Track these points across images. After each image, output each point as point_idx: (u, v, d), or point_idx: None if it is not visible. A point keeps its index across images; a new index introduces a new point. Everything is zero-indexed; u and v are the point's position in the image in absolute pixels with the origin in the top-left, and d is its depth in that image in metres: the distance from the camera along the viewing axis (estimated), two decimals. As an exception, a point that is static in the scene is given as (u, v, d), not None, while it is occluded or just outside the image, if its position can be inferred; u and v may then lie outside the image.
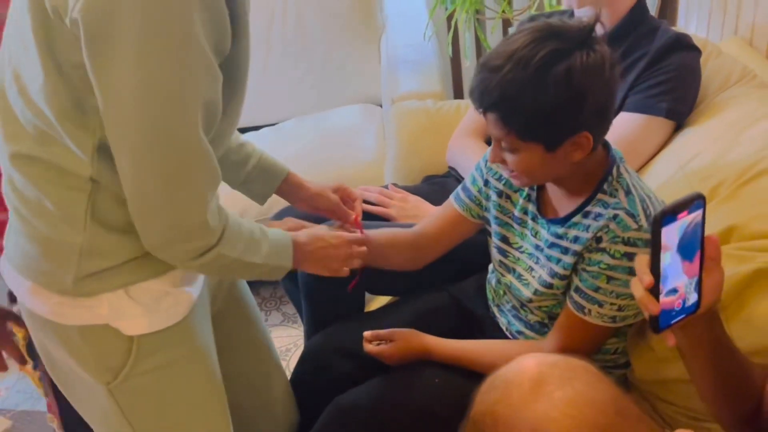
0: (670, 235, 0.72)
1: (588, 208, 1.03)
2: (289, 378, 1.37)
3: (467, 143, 1.62)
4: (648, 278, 0.73)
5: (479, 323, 1.32)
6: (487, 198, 1.19)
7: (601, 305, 1.02)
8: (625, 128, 1.31)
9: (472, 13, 1.86)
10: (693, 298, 0.76)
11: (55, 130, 0.82)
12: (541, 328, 1.17)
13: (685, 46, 1.32)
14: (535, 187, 1.13)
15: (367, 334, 1.22)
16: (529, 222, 1.13)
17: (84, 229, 0.86)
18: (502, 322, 1.26)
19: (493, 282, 1.27)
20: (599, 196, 1.02)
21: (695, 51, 1.33)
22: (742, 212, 1.06)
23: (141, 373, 0.93)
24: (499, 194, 1.17)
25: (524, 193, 1.14)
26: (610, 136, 1.31)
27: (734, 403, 0.85)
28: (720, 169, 1.16)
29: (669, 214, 0.71)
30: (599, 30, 0.97)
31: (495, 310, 1.28)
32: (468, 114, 1.67)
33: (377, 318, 1.38)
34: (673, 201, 0.72)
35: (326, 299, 1.42)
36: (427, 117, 1.78)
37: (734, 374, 0.84)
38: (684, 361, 0.85)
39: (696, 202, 0.73)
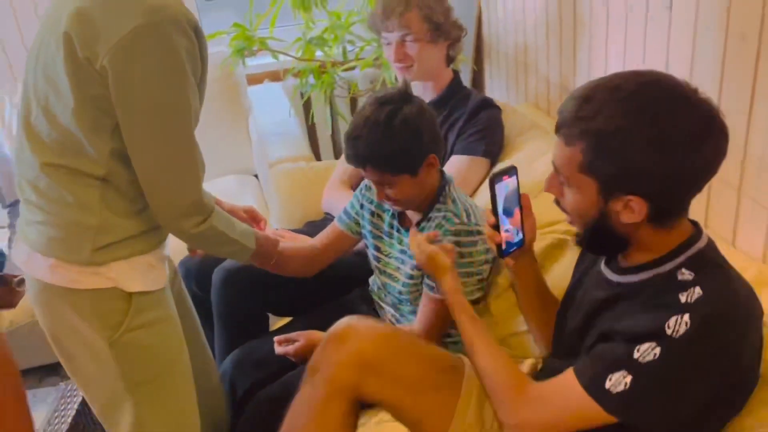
0: (500, 190, 1.15)
1: (430, 215, 1.43)
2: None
3: (338, 193, 2.00)
4: (491, 218, 1.16)
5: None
6: (363, 218, 1.57)
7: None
8: (456, 166, 1.78)
9: (328, 93, 2.30)
10: (520, 236, 1.20)
11: (79, 142, 1.13)
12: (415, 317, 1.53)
13: (489, 105, 1.84)
14: None
15: (278, 338, 1.52)
16: (395, 234, 1.51)
17: (98, 213, 1.17)
18: (386, 316, 1.62)
19: (375, 287, 1.65)
20: (437, 206, 1.42)
21: (497, 108, 1.86)
22: (536, 211, 1.55)
23: (134, 328, 1.22)
24: (372, 214, 1.55)
25: (389, 212, 1.53)
26: (447, 172, 1.79)
27: (543, 323, 1.29)
28: (523, 186, 1.65)
29: (498, 176, 1.14)
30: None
31: (379, 309, 1.65)
32: (336, 170, 2.07)
33: (281, 334, 1.69)
34: (500, 168, 1.15)
35: (236, 321, 1.72)
36: (302, 175, 2.17)
37: (545, 300, 1.28)
38: (516, 287, 1.29)
39: (513, 169, 1.17)
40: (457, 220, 1.39)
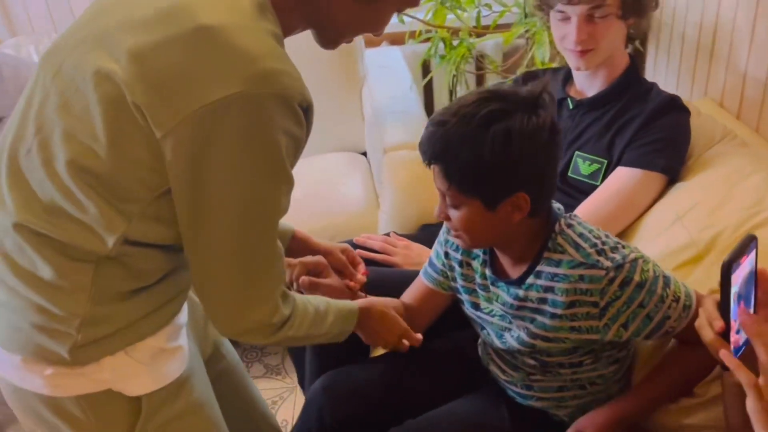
0: (735, 279, 0.78)
1: (539, 268, 1.06)
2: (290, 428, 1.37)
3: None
4: (720, 323, 0.79)
5: (477, 372, 1.34)
6: (452, 269, 1.22)
7: (669, 317, 1.04)
8: (622, 181, 1.39)
9: (462, 67, 1.94)
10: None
11: (78, 206, 0.81)
12: (530, 371, 1.18)
13: (677, 107, 1.43)
14: (488, 252, 1.15)
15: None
16: (491, 287, 1.15)
17: (87, 300, 0.84)
18: (496, 373, 1.27)
19: (480, 349, 1.32)
20: (546, 255, 1.05)
21: (686, 112, 1.44)
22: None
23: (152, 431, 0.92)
24: (460, 264, 1.19)
25: (480, 260, 1.17)
26: (610, 188, 1.41)
27: None
28: (718, 220, 1.25)
29: (735, 261, 0.77)
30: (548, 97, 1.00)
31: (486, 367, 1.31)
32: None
33: (380, 363, 1.40)
34: (735, 247, 0.78)
35: (334, 347, 1.43)
36: (421, 167, 1.79)
37: None
38: (726, 392, 0.91)
39: (752, 242, 0.79)
40: (600, 271, 1.01)
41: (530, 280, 1.07)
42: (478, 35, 2.10)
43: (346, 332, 1.09)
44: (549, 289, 1.05)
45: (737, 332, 0.82)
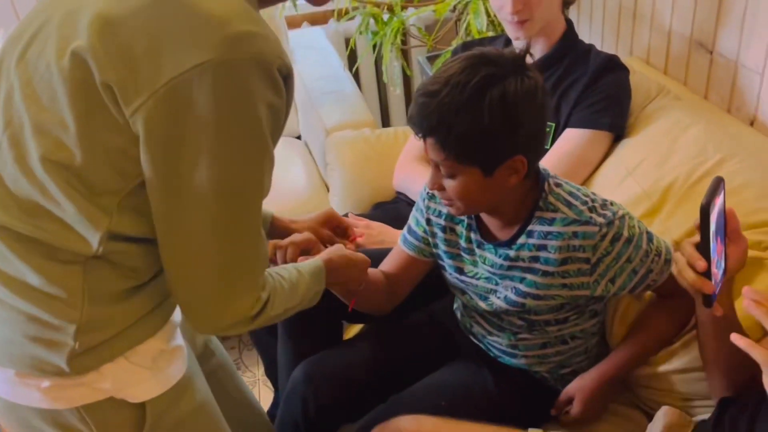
0: (713, 219, 0.82)
1: (530, 228, 1.08)
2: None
3: (414, 167, 1.68)
4: (702, 263, 0.83)
5: (456, 339, 1.37)
6: (433, 235, 1.22)
7: (651, 270, 1.08)
8: (573, 142, 1.44)
9: (398, 43, 1.93)
10: (722, 265, 0.87)
11: (56, 204, 0.76)
12: (517, 330, 1.21)
13: (617, 66, 1.48)
14: (473, 216, 1.15)
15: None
16: (476, 250, 1.16)
17: (82, 304, 0.79)
18: (478, 337, 1.30)
19: (459, 314, 1.34)
20: (537, 214, 1.07)
21: (625, 70, 1.50)
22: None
23: None
24: (443, 229, 1.20)
25: (464, 224, 1.17)
26: (560, 150, 1.45)
27: (733, 371, 0.98)
28: (667, 172, 1.32)
29: (711, 202, 0.81)
30: (529, 60, 1.02)
31: (467, 331, 1.33)
32: (411, 139, 1.74)
33: (358, 344, 1.40)
34: (708, 190, 0.82)
35: (307, 332, 1.42)
36: (368, 145, 1.83)
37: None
38: (701, 330, 0.96)
39: (721, 183, 0.84)
40: (593, 228, 1.04)
41: (521, 240, 1.09)
42: (404, 8, 2.10)
43: (319, 291, 1.04)
44: (542, 248, 1.07)
45: (716, 267, 0.87)
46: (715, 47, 1.55)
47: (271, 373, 1.64)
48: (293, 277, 0.97)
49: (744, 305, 0.78)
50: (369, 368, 1.31)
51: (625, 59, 1.85)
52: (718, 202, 0.85)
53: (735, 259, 0.90)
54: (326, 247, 1.19)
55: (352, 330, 1.53)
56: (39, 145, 0.75)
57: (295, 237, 1.17)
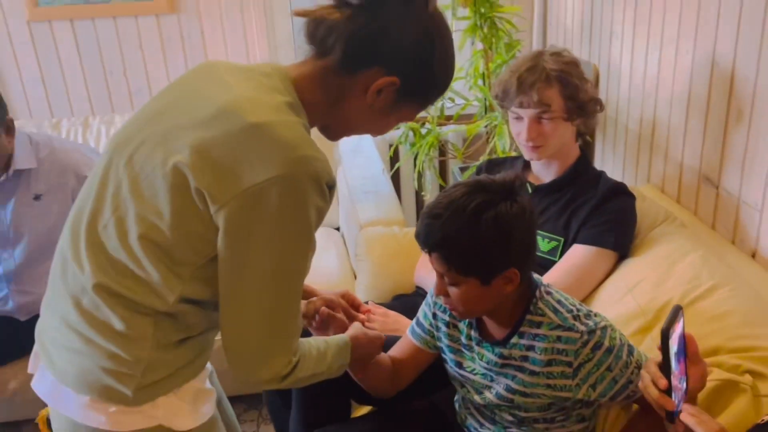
0: (673, 342, 0.93)
1: (521, 329, 1.20)
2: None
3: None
4: (663, 381, 0.94)
5: (453, 429, 1.44)
6: (438, 329, 1.34)
7: (631, 382, 1.17)
8: (580, 257, 1.56)
9: (433, 154, 2.13)
10: (684, 385, 0.97)
11: (146, 272, 0.96)
12: (508, 425, 1.29)
13: (624, 192, 1.63)
14: None
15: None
16: (475, 347, 1.28)
17: (150, 348, 0.98)
18: (471, 429, 1.38)
19: (457, 406, 1.43)
20: (528, 317, 1.20)
21: (632, 197, 1.64)
22: (693, 330, 1.30)
23: None
24: (447, 325, 1.32)
25: (466, 322, 1.30)
26: (567, 263, 1.57)
27: None
28: (662, 293, 1.42)
29: (671, 327, 0.93)
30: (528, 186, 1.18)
31: (463, 423, 1.42)
32: (434, 241, 1.89)
33: (362, 422, 1.50)
34: (668, 316, 0.94)
35: (318, 405, 1.53)
36: (395, 241, 1.98)
37: None
38: None
39: (680, 311, 0.96)
40: (575, 334, 1.15)
41: (514, 339, 1.21)
42: (441, 125, 2.31)
43: (345, 365, 1.20)
44: (530, 348, 1.19)
45: (679, 383, 0.97)
46: (720, 182, 1.68)
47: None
48: (321, 347, 1.14)
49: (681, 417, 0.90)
50: (371, 446, 1.41)
51: (642, 187, 2.00)
52: (678, 327, 0.96)
53: (695, 379, 0.99)
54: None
55: (359, 411, 1.62)
56: (139, 227, 0.96)
57: (325, 294, 1.36)
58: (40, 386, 1.06)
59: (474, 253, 1.11)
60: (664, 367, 0.95)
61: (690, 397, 1.00)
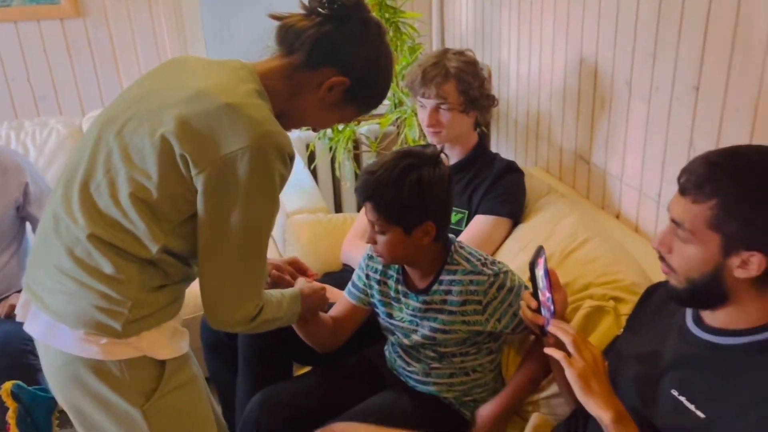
0: (538, 273, 1.22)
1: (440, 278, 1.46)
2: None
3: (357, 244, 2.06)
4: (534, 302, 1.23)
5: (384, 376, 1.69)
6: (371, 287, 1.60)
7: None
8: (481, 225, 1.86)
9: (349, 148, 2.37)
10: (551, 307, 1.25)
11: (135, 227, 1.14)
12: (430, 361, 1.55)
13: (514, 169, 1.94)
14: (401, 271, 1.54)
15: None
16: (402, 298, 1.54)
17: (136, 289, 1.16)
18: (401, 374, 1.64)
19: (387, 353, 1.69)
20: (446, 267, 1.46)
21: (521, 173, 1.95)
22: (568, 274, 1.62)
23: (167, 392, 1.23)
24: (378, 282, 1.57)
25: (394, 278, 1.55)
26: (472, 230, 1.86)
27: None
28: (548, 247, 1.71)
29: (534, 262, 1.21)
30: (444, 159, 1.44)
31: (392, 367, 1.68)
32: (356, 222, 2.13)
33: (305, 379, 1.71)
34: (533, 254, 1.23)
35: (263, 367, 1.73)
36: (320, 226, 2.21)
37: None
38: (553, 366, 1.34)
39: (542, 250, 1.24)
40: (484, 277, 1.43)
41: (434, 287, 1.47)
42: (358, 122, 2.57)
43: (296, 312, 1.40)
44: (448, 292, 1.45)
45: (549, 304, 1.24)
46: (591, 159, 2.03)
47: (228, 414, 1.91)
48: (278, 296, 1.35)
49: (549, 329, 1.19)
50: (314, 397, 1.63)
51: (531, 168, 2.33)
52: (541, 262, 1.24)
53: (559, 302, 1.28)
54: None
55: (301, 370, 1.84)
56: (129, 186, 1.13)
57: (273, 260, 1.55)
58: (33, 327, 1.21)
59: (398, 204, 1.36)
60: (534, 293, 1.23)
61: (558, 317, 1.28)
